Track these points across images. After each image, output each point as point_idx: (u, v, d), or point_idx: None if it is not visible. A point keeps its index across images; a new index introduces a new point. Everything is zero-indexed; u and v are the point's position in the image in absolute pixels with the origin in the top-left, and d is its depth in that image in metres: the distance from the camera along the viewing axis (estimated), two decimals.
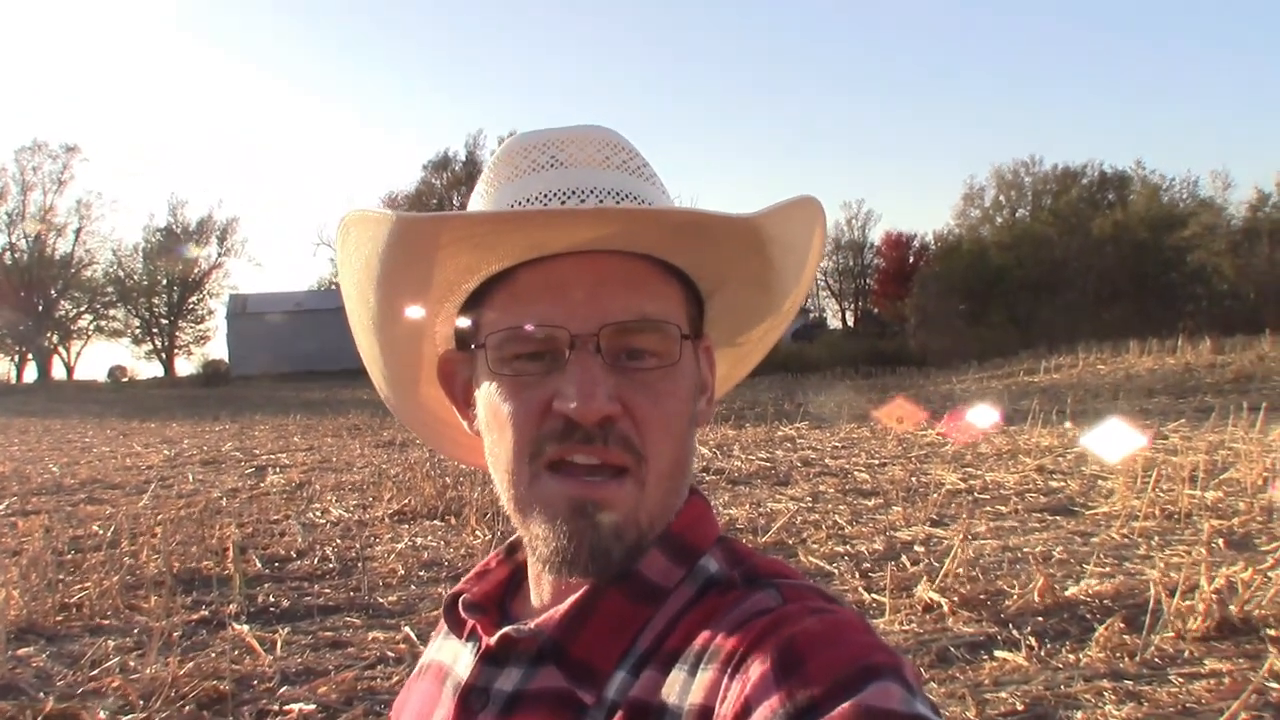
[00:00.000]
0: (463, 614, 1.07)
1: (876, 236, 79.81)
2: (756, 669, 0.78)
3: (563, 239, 0.94)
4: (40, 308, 72.42)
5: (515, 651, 0.99)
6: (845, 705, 0.71)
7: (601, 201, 0.98)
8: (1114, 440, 12.35)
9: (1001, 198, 59.67)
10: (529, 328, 0.95)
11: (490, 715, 0.96)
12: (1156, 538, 7.06)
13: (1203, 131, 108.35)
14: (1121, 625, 5.00)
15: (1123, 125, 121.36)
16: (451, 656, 1.09)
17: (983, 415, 17.28)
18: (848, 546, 7.44)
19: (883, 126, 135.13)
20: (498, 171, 1.05)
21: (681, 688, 0.85)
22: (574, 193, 0.99)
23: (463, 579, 1.13)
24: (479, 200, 1.05)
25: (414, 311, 1.09)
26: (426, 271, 1.02)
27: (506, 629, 0.99)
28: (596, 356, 0.93)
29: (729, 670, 0.82)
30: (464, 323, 1.06)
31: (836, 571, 6.70)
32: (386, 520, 9.33)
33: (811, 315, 76.88)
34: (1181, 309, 40.84)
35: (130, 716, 4.60)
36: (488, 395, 1.00)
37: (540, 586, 1.04)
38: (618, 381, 0.93)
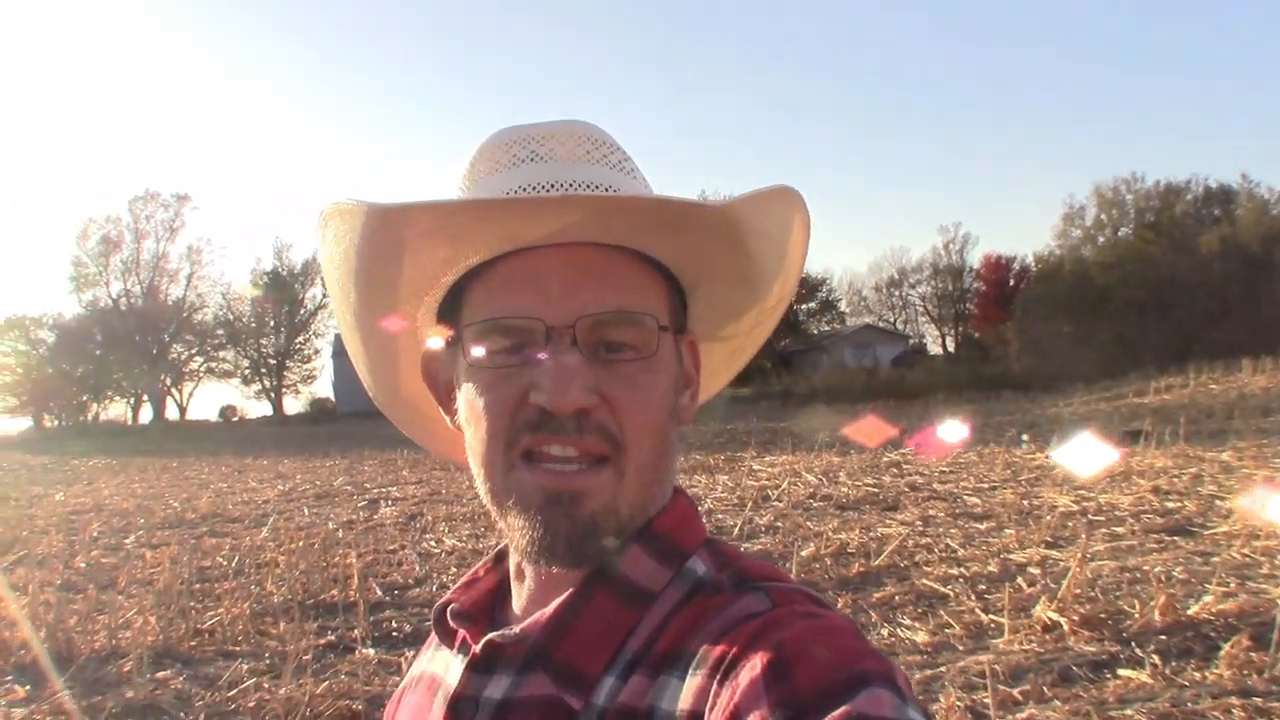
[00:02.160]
0: (451, 623, 1.06)
1: (975, 260, 78.77)
2: (746, 675, 0.77)
3: (537, 229, 0.94)
4: (154, 351, 74.69)
5: (503, 658, 0.97)
6: (836, 713, 0.70)
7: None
8: (1086, 455, 12.10)
9: (1103, 216, 58.43)
10: (505, 320, 0.95)
11: None
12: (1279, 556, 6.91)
13: None
14: (1248, 643, 4.91)
15: (1226, 139, 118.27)
16: (443, 667, 1.07)
17: (953, 431, 17.03)
18: (961, 569, 7.39)
19: (979, 148, 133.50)
20: (476, 166, 1.04)
21: (670, 693, 0.84)
22: (552, 186, 0.98)
23: (452, 589, 1.12)
24: (457, 195, 1.05)
25: (393, 307, 1.08)
26: (404, 264, 1.02)
27: (492, 635, 0.98)
28: (573, 348, 0.92)
29: (718, 676, 0.81)
30: (444, 318, 1.05)
31: (951, 594, 6.67)
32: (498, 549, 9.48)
33: (911, 341, 76.10)
34: None
35: None
36: (466, 389, 0.99)
37: (523, 588, 1.03)
38: (596, 374, 0.93)
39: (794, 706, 0.72)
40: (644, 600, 0.95)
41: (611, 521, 0.93)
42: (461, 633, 1.05)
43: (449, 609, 1.07)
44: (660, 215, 0.96)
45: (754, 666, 0.77)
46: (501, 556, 1.12)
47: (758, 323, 1.19)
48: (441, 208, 0.95)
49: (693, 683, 0.82)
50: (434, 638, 1.13)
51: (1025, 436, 16.26)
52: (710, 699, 0.79)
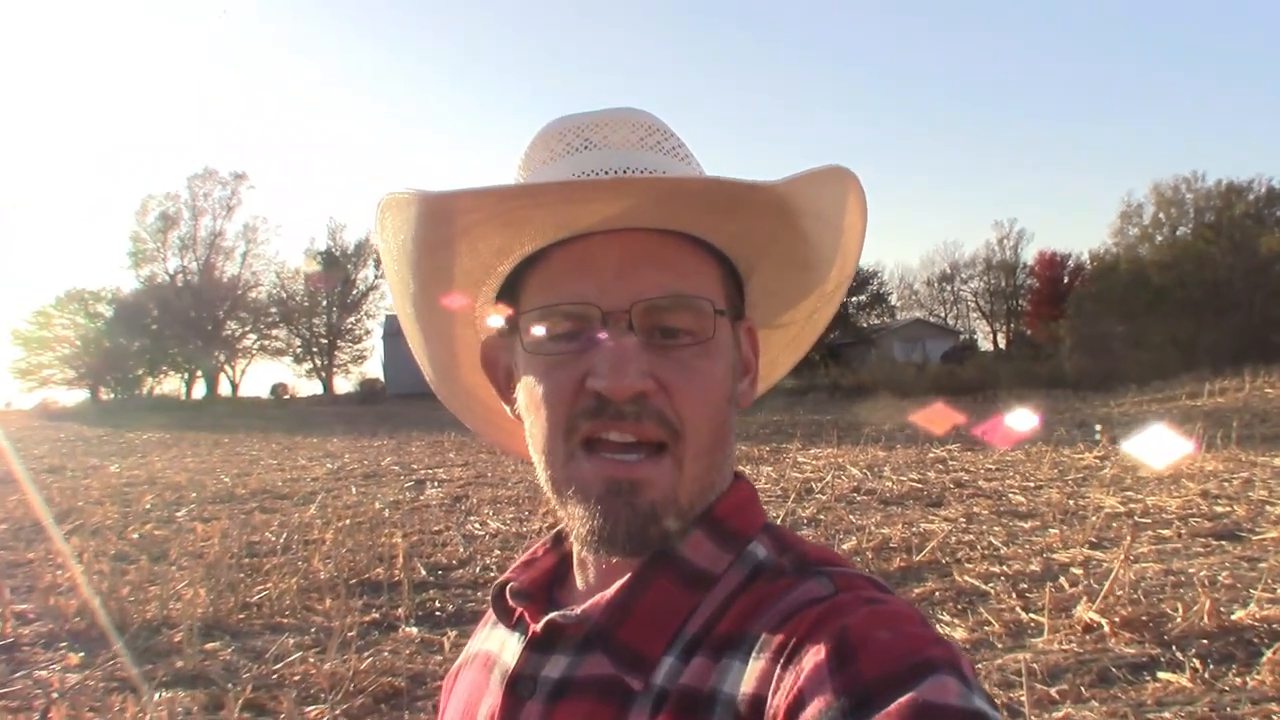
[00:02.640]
0: (510, 602, 1.07)
1: (1029, 256, 78.02)
2: (810, 660, 0.77)
3: (592, 215, 0.94)
4: (209, 327, 75.65)
5: (562, 638, 0.98)
6: (901, 699, 0.70)
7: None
8: (1158, 447, 11.95)
9: (1161, 215, 57.57)
10: (561, 306, 0.95)
11: (538, 703, 0.95)
12: None
13: None
14: None
15: None
16: (499, 645, 1.08)
17: (1022, 420, 16.84)
18: (1003, 567, 7.37)
19: (1036, 143, 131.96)
20: (531, 155, 1.05)
21: (733, 676, 0.84)
22: (607, 173, 0.99)
23: (510, 568, 1.13)
24: (514, 183, 1.04)
25: (452, 297, 1.09)
26: (461, 253, 1.02)
27: (553, 615, 0.98)
28: (629, 333, 0.92)
29: (781, 660, 0.80)
30: (501, 306, 1.06)
31: (992, 591, 6.65)
32: (544, 532, 9.53)
33: (961, 337, 75.48)
34: None
35: (314, 707, 4.89)
36: (525, 376, 1.00)
37: (585, 571, 1.03)
38: (652, 359, 0.92)
39: (858, 693, 0.72)
40: (705, 583, 0.95)
41: (671, 510, 0.94)
42: (519, 611, 1.06)
43: (508, 587, 1.08)
44: (714, 197, 0.95)
45: (818, 651, 0.77)
46: (560, 538, 1.12)
47: (816, 309, 1.20)
48: (496, 193, 0.95)
49: (756, 666, 0.83)
50: (490, 616, 1.14)
51: (1099, 427, 16.10)
52: (774, 683, 0.79)
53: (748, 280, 1.09)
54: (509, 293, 1.04)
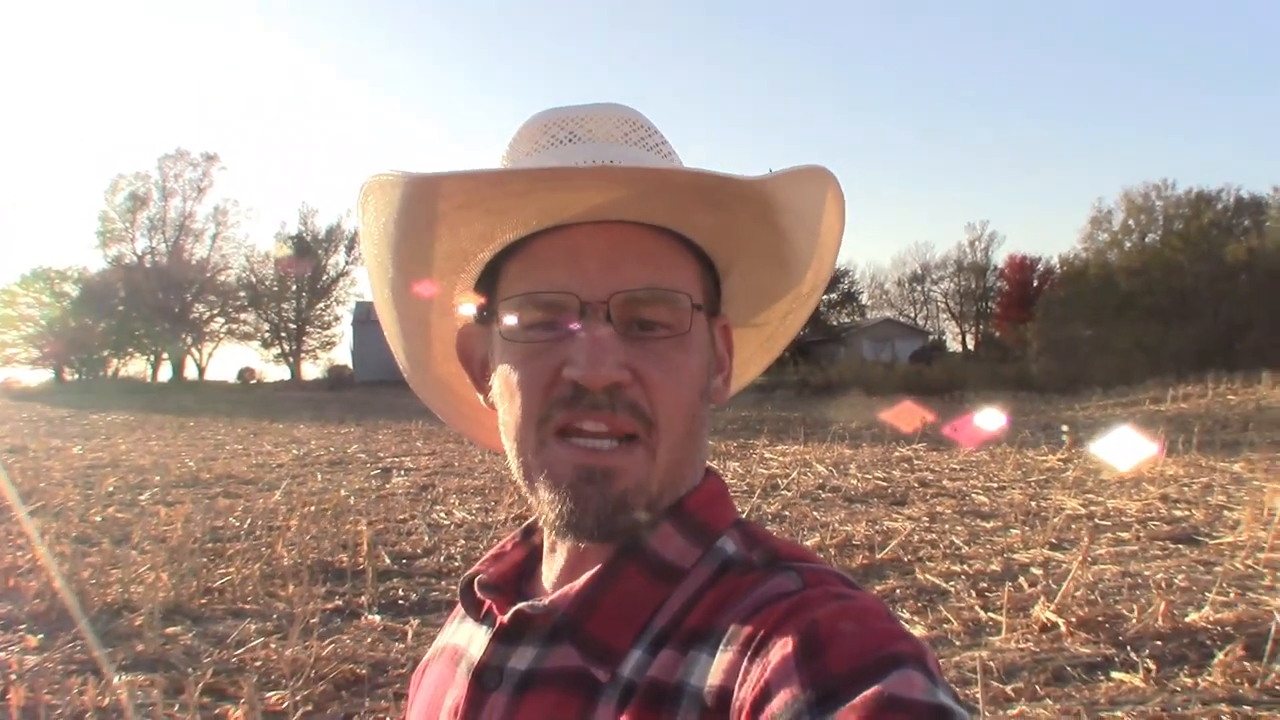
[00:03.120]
0: (478, 594, 1.07)
1: (1000, 259, 78.53)
2: (777, 653, 0.77)
3: (574, 205, 0.94)
4: (176, 310, 75.06)
5: (530, 629, 0.98)
6: (867, 693, 0.70)
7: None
8: (1125, 449, 12.10)
9: (1131, 221, 58.11)
10: (540, 294, 0.95)
11: (504, 694, 0.95)
12: None
13: None
14: (1242, 652, 4.96)
15: (1259, 149, 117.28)
16: (466, 638, 1.08)
17: (990, 419, 17.02)
18: (964, 566, 7.44)
19: (1009, 147, 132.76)
20: (516, 147, 1.06)
21: (700, 668, 0.84)
22: (591, 164, 0.99)
23: (479, 561, 1.13)
24: None
25: (431, 282, 1.09)
26: (442, 238, 1.02)
27: (520, 605, 0.98)
28: (607, 324, 0.92)
29: (749, 653, 0.81)
30: (479, 294, 1.06)
31: (953, 589, 6.72)
32: (509, 523, 9.59)
33: (930, 337, 75.88)
34: None
35: (275, 693, 4.89)
36: (500, 364, 1.00)
37: (554, 563, 1.03)
38: (628, 350, 0.93)
39: (825, 686, 0.73)
40: (673, 576, 0.95)
41: (642, 499, 0.94)
42: (487, 604, 1.06)
43: (476, 580, 1.08)
44: (695, 192, 0.96)
45: (785, 645, 0.77)
46: (530, 531, 1.13)
47: (790, 310, 1.20)
48: (483, 177, 0.95)
49: (723, 659, 0.83)
50: (458, 610, 1.14)
51: (1065, 429, 16.27)
52: (740, 675, 0.80)
53: (725, 277, 1.09)
54: (488, 280, 1.04)
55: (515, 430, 0.97)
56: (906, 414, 18.63)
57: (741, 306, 1.15)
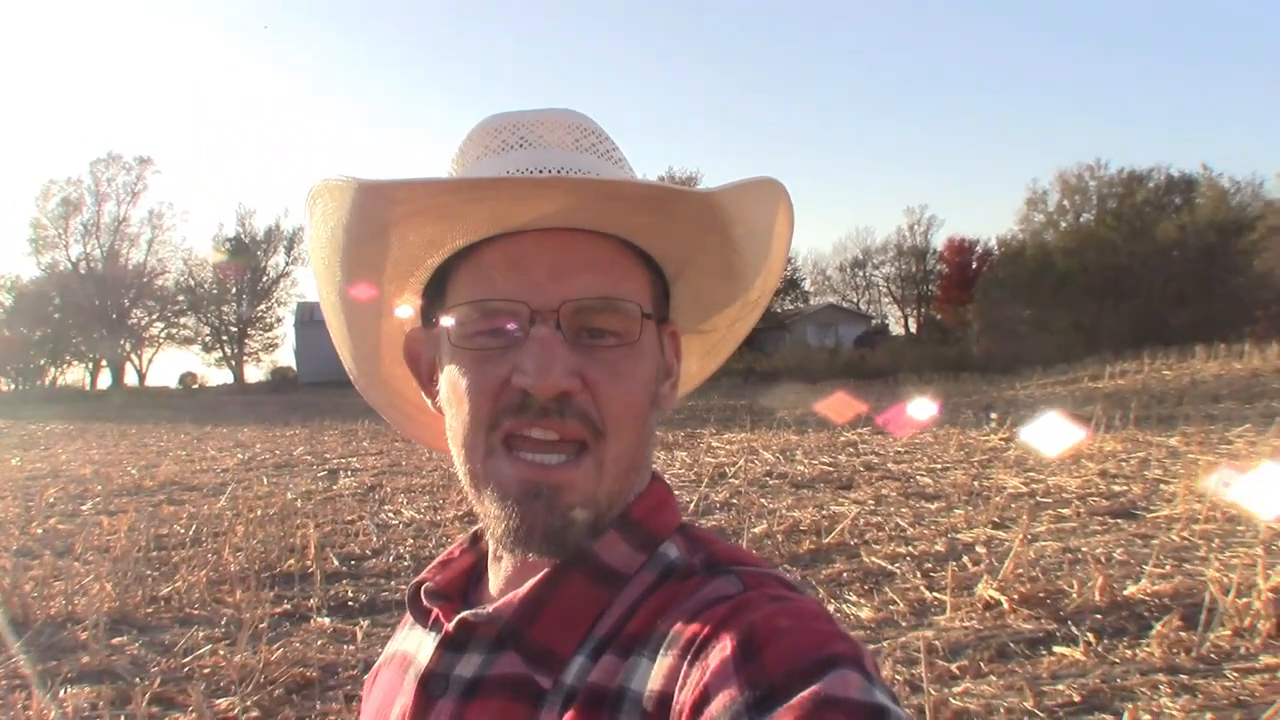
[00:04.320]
0: (425, 602, 1.07)
1: (939, 242, 79.25)
2: (716, 656, 0.78)
3: (524, 213, 0.94)
4: (114, 316, 73.81)
5: (475, 636, 0.99)
6: (804, 693, 0.71)
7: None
8: (1053, 435, 12.35)
9: (1065, 202, 58.71)
10: (489, 301, 0.95)
11: (450, 701, 0.95)
12: (1217, 540, 7.08)
13: (1270, 133, 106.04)
14: (1179, 623, 5.08)
15: (1188, 127, 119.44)
16: (415, 645, 1.08)
17: (922, 408, 17.30)
18: (909, 547, 7.53)
19: (946, 130, 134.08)
20: (466, 150, 1.05)
21: (641, 673, 0.85)
22: (541, 172, 0.98)
23: (427, 569, 1.13)
24: (448, 177, 1.04)
25: (379, 287, 1.08)
26: (391, 244, 1.01)
27: (465, 613, 0.99)
28: (556, 332, 0.92)
29: (688, 657, 0.81)
30: (428, 299, 1.06)
31: (898, 571, 6.81)
32: (456, 521, 9.58)
33: (874, 322, 76.50)
34: (1249, 314, 39.98)
35: (225, 700, 4.86)
36: (448, 370, 0.99)
37: (499, 570, 1.03)
38: (578, 359, 0.93)
39: (763, 687, 0.73)
40: (616, 583, 0.95)
41: (590, 512, 0.94)
42: (435, 611, 1.06)
43: (423, 588, 1.08)
44: (646, 201, 0.96)
45: (724, 647, 0.78)
46: (477, 537, 1.12)
47: (738, 318, 1.21)
48: (431, 185, 0.94)
49: (663, 663, 0.83)
50: (408, 618, 1.13)
51: (994, 414, 16.51)
52: (680, 679, 0.80)
53: (673, 284, 1.09)
54: (437, 286, 1.04)
55: (463, 437, 0.97)
56: (841, 405, 18.78)
57: (689, 313, 1.16)
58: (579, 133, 1.04)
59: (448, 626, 1.00)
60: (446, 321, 0.99)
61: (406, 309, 1.11)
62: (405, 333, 1.13)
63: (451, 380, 0.98)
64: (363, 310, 1.13)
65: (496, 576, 1.04)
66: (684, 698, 0.78)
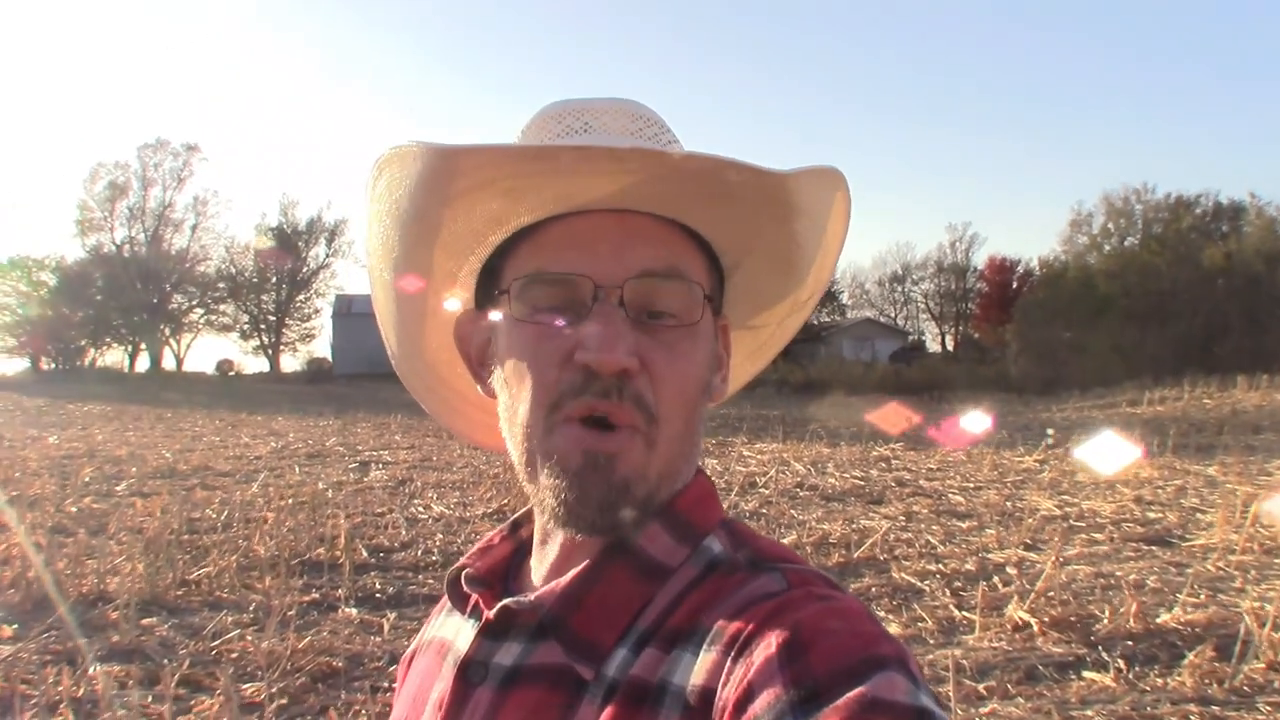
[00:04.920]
0: (465, 588, 1.06)
1: (980, 260, 78.90)
2: (760, 653, 0.77)
3: (592, 191, 0.93)
4: (155, 300, 74.58)
5: (515, 624, 0.98)
6: (850, 694, 0.71)
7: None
8: (1107, 454, 12.21)
9: (1110, 225, 58.32)
10: (553, 273, 0.95)
11: (489, 689, 0.95)
12: (1253, 571, 6.99)
13: None
14: (1212, 653, 5.01)
15: (1238, 155, 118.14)
16: (453, 632, 1.07)
17: (976, 422, 17.19)
18: (939, 565, 7.48)
19: (991, 148, 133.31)
20: (529, 135, 1.04)
21: (683, 668, 0.84)
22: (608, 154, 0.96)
23: (466, 555, 1.12)
24: None
25: (436, 261, 1.08)
26: (456, 217, 1.01)
27: (506, 601, 0.98)
28: (619, 309, 0.92)
29: (732, 653, 0.81)
30: (484, 281, 1.06)
31: (927, 589, 6.76)
32: (486, 518, 9.60)
33: (910, 338, 76.17)
34: None
35: (251, 685, 4.89)
36: (508, 346, 0.98)
37: (542, 558, 1.03)
38: (638, 338, 0.93)
39: (808, 686, 0.73)
40: (660, 575, 0.95)
41: (642, 488, 0.93)
42: (474, 598, 1.06)
43: (464, 573, 1.07)
44: (716, 183, 0.95)
45: (769, 645, 0.77)
46: (517, 525, 1.12)
47: (789, 314, 1.20)
48: (505, 151, 0.94)
49: (706, 659, 0.83)
50: (444, 603, 1.14)
51: (1050, 433, 16.40)
52: (723, 675, 0.80)
53: (729, 277, 1.09)
54: (493, 267, 1.04)
55: (524, 416, 0.96)
56: (892, 415, 18.75)
57: (741, 308, 1.15)
58: (641, 121, 1.04)
59: (488, 614, 1.00)
60: (508, 297, 0.98)
61: (455, 302, 1.10)
62: (457, 314, 1.12)
63: (512, 356, 0.98)
64: (417, 285, 1.12)
65: (540, 564, 1.03)
66: (727, 694, 0.77)
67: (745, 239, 1.04)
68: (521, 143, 1.04)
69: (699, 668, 0.83)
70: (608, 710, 0.85)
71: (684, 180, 0.94)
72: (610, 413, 0.92)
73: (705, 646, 0.84)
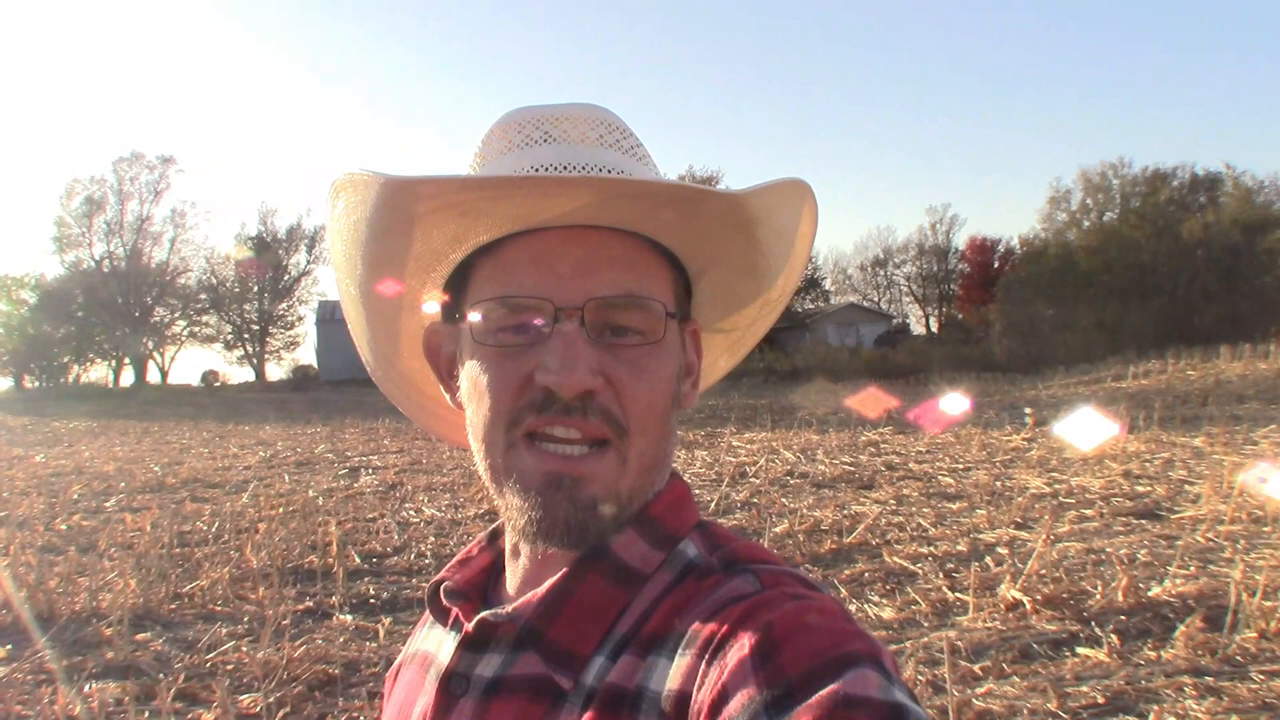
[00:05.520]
0: (445, 601, 1.06)
1: (961, 241, 79.05)
2: (734, 655, 0.78)
3: (549, 210, 0.93)
4: (137, 314, 74.22)
5: (495, 636, 0.98)
6: (823, 692, 0.71)
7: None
8: (1086, 429, 12.28)
9: (1089, 201, 58.50)
10: (513, 298, 0.94)
11: (470, 701, 0.95)
12: (1242, 541, 7.03)
13: None
14: (1203, 624, 5.05)
15: (1213, 126, 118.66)
16: (435, 645, 1.07)
17: (954, 403, 17.28)
18: (931, 548, 7.51)
19: (969, 129, 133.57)
20: (490, 145, 1.04)
21: (659, 673, 0.84)
22: (565, 167, 0.97)
23: (445, 567, 1.12)
24: (470, 172, 1.04)
25: (401, 282, 1.08)
26: (414, 239, 1.01)
27: (484, 614, 0.98)
28: (580, 330, 0.91)
29: (706, 656, 0.81)
30: (450, 294, 1.05)
31: (920, 571, 6.78)
32: (477, 519, 9.60)
33: (895, 321, 76.27)
34: (1276, 313, 39.62)
35: (248, 696, 4.88)
36: (470, 366, 0.98)
37: (518, 569, 1.03)
38: (601, 357, 0.92)
39: (781, 686, 0.73)
40: (635, 581, 0.95)
41: (612, 505, 0.94)
42: (455, 610, 1.06)
43: (442, 587, 1.07)
44: (671, 201, 0.95)
45: (742, 646, 0.78)
46: (495, 535, 1.12)
47: (759, 316, 1.20)
48: (455, 182, 0.94)
49: (681, 662, 0.83)
50: (428, 616, 1.14)
51: (1028, 410, 16.49)
52: (698, 678, 0.80)
53: (696, 283, 1.09)
54: (459, 281, 1.04)
55: (484, 432, 0.97)
56: (871, 400, 18.81)
57: (710, 311, 1.15)
58: (603, 128, 1.03)
59: (467, 627, 1.00)
60: (470, 317, 0.98)
61: (433, 304, 1.10)
62: (425, 327, 1.13)
63: (473, 376, 0.98)
64: (383, 304, 1.12)
65: (514, 574, 1.04)
66: (702, 697, 0.78)
67: (709, 249, 1.04)
68: (482, 150, 1.05)
69: (674, 672, 0.83)
70: (586, 718, 0.86)
71: (640, 198, 0.94)
72: (577, 429, 0.92)
73: (680, 650, 0.85)
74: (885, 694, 0.71)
